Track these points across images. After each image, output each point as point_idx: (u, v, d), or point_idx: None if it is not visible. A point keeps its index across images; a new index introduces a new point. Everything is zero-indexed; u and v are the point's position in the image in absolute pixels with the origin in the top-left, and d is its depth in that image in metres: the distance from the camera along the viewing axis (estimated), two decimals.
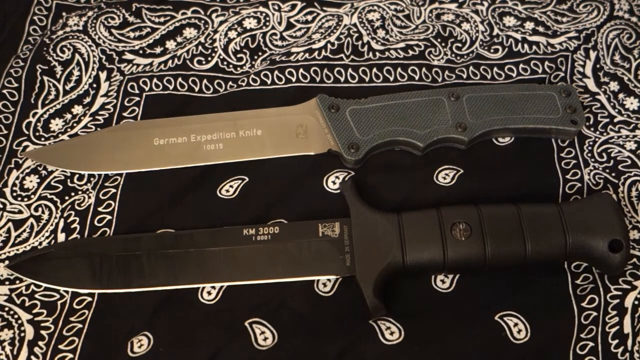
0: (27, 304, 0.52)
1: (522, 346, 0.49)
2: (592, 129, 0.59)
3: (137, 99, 0.62)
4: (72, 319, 0.51)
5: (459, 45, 0.64)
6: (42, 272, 0.53)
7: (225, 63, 0.64)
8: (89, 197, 0.57)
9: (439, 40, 0.64)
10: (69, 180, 0.58)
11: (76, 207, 0.56)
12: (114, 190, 0.57)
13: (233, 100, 0.62)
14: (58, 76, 0.64)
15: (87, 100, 0.62)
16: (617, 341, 0.49)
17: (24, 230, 0.55)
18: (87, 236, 0.55)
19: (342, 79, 0.62)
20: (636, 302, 0.50)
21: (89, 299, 0.52)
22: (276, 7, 0.67)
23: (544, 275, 0.52)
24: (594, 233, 0.49)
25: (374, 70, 0.63)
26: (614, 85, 0.61)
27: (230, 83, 0.63)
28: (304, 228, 0.53)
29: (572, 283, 0.52)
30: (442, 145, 0.58)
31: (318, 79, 0.62)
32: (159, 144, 0.59)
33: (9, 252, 0.54)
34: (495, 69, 0.63)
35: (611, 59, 0.63)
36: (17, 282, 0.53)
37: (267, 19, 0.67)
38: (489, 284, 0.52)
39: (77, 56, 0.65)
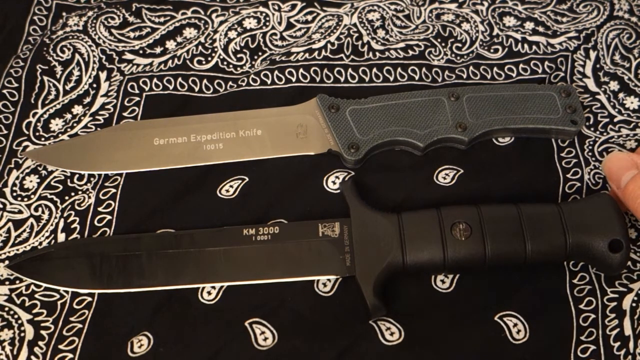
0: (27, 304, 0.52)
1: (521, 346, 0.49)
2: (592, 128, 0.59)
3: (137, 99, 0.62)
4: (72, 319, 0.51)
5: (459, 45, 0.64)
6: (42, 272, 0.53)
7: (225, 63, 0.64)
8: (89, 197, 0.57)
9: (439, 40, 0.64)
10: (69, 180, 0.58)
11: (76, 207, 0.56)
12: (114, 190, 0.57)
13: (233, 100, 0.62)
14: (58, 76, 0.64)
15: (87, 100, 0.62)
16: (618, 343, 0.49)
17: (24, 230, 0.55)
18: (87, 236, 0.55)
19: (342, 79, 0.62)
20: (634, 305, 0.50)
21: (89, 299, 0.52)
22: (276, 7, 0.67)
23: (544, 276, 0.52)
24: (594, 233, 0.49)
25: (374, 70, 0.63)
26: (614, 85, 0.61)
27: (230, 83, 0.63)
28: (304, 228, 0.53)
29: (569, 283, 0.52)
30: (442, 145, 0.58)
31: (318, 79, 0.62)
32: (159, 144, 0.59)
33: (9, 252, 0.54)
34: (495, 69, 0.63)
35: (611, 59, 0.63)
36: (17, 282, 0.53)
37: (267, 19, 0.67)
38: (489, 284, 0.52)
39: (77, 56, 0.65)
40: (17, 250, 0.55)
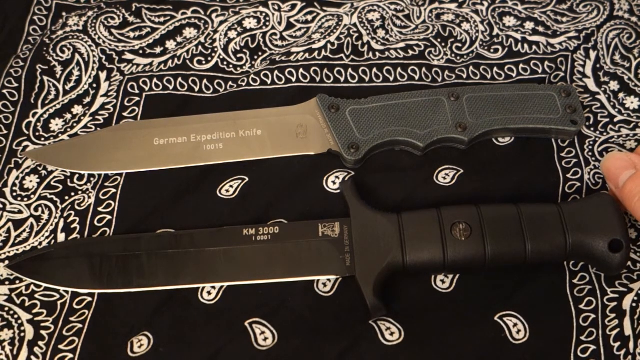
0: (27, 304, 0.52)
1: (521, 346, 0.49)
2: (592, 128, 0.59)
3: (137, 99, 0.62)
4: (72, 319, 0.51)
5: (459, 45, 0.64)
6: (42, 272, 0.53)
7: (225, 63, 0.64)
8: (89, 197, 0.57)
9: (439, 40, 0.64)
10: (69, 180, 0.58)
11: (76, 207, 0.56)
12: (114, 190, 0.57)
13: (233, 100, 0.62)
14: (58, 76, 0.64)
15: (87, 100, 0.62)
16: (619, 344, 0.49)
17: (24, 230, 0.55)
18: (87, 236, 0.55)
19: (342, 79, 0.62)
20: (634, 305, 0.50)
21: (89, 299, 0.52)
22: (276, 7, 0.67)
23: (544, 276, 0.52)
24: (594, 233, 0.49)
25: (374, 70, 0.63)
26: (614, 85, 0.61)
27: (230, 83, 0.63)
28: (304, 228, 0.53)
29: (569, 283, 0.52)
30: (442, 145, 0.58)
31: (318, 79, 0.62)
32: (159, 144, 0.59)
33: (9, 252, 0.54)
34: (495, 69, 0.63)
35: (611, 59, 0.63)
36: (17, 282, 0.53)
37: (267, 19, 0.67)
38: (489, 284, 0.52)
39: (77, 56, 0.65)
40: (17, 250, 0.55)
